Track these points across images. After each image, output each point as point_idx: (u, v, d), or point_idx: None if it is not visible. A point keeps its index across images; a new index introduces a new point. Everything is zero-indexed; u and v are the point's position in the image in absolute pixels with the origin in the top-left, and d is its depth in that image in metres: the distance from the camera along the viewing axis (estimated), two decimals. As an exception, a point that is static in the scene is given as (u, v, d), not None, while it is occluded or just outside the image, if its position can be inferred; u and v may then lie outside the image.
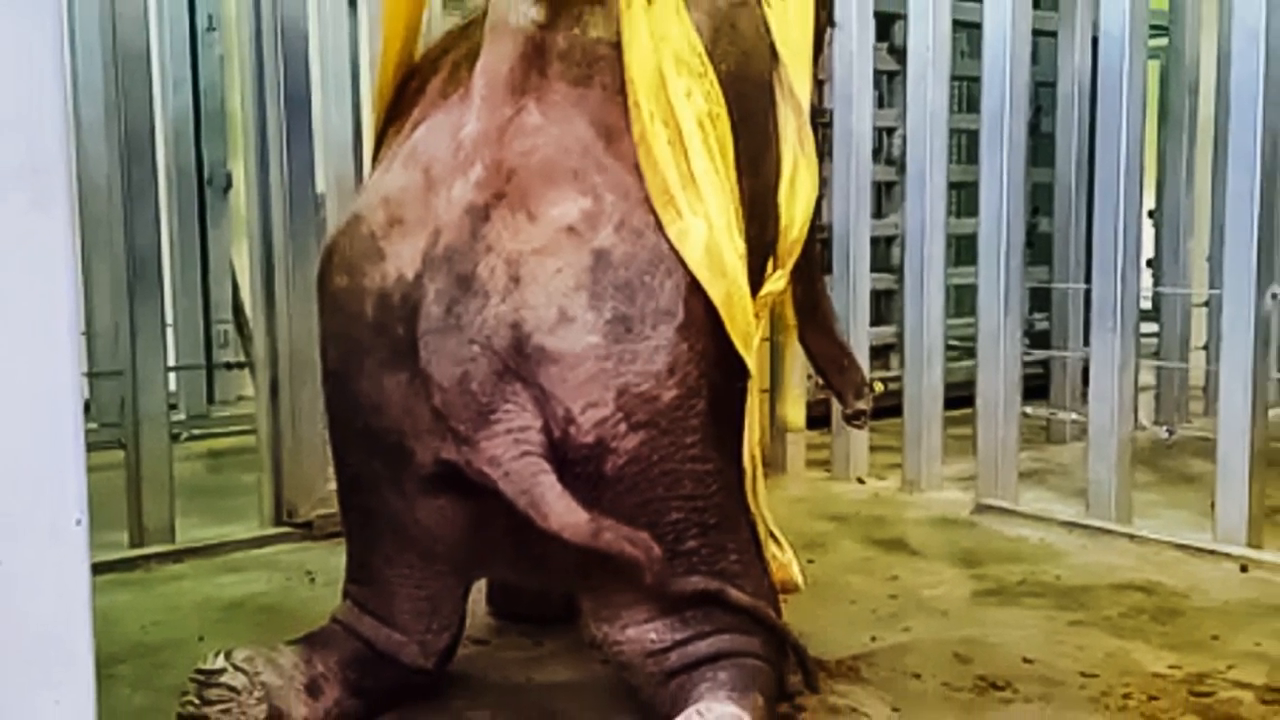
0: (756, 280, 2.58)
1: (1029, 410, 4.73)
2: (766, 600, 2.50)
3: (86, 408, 5.10)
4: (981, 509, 4.35)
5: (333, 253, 2.50)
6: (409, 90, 2.71)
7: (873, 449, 4.95)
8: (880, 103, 5.41)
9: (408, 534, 2.48)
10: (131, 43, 3.84)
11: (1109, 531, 4.02)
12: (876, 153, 5.37)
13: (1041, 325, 5.83)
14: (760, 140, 2.66)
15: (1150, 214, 6.04)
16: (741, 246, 2.41)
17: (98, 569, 1.70)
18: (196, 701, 2.30)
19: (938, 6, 4.57)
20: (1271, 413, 3.99)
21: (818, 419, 4.71)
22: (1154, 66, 6.05)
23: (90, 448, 1.57)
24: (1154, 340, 5.71)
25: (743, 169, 2.50)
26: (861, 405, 3.29)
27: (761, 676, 2.37)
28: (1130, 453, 4.14)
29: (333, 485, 2.72)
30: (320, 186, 4.29)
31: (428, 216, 2.33)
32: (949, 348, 4.83)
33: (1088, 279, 4.31)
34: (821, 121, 4.07)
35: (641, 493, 2.30)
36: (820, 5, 2.96)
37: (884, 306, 5.69)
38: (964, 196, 5.80)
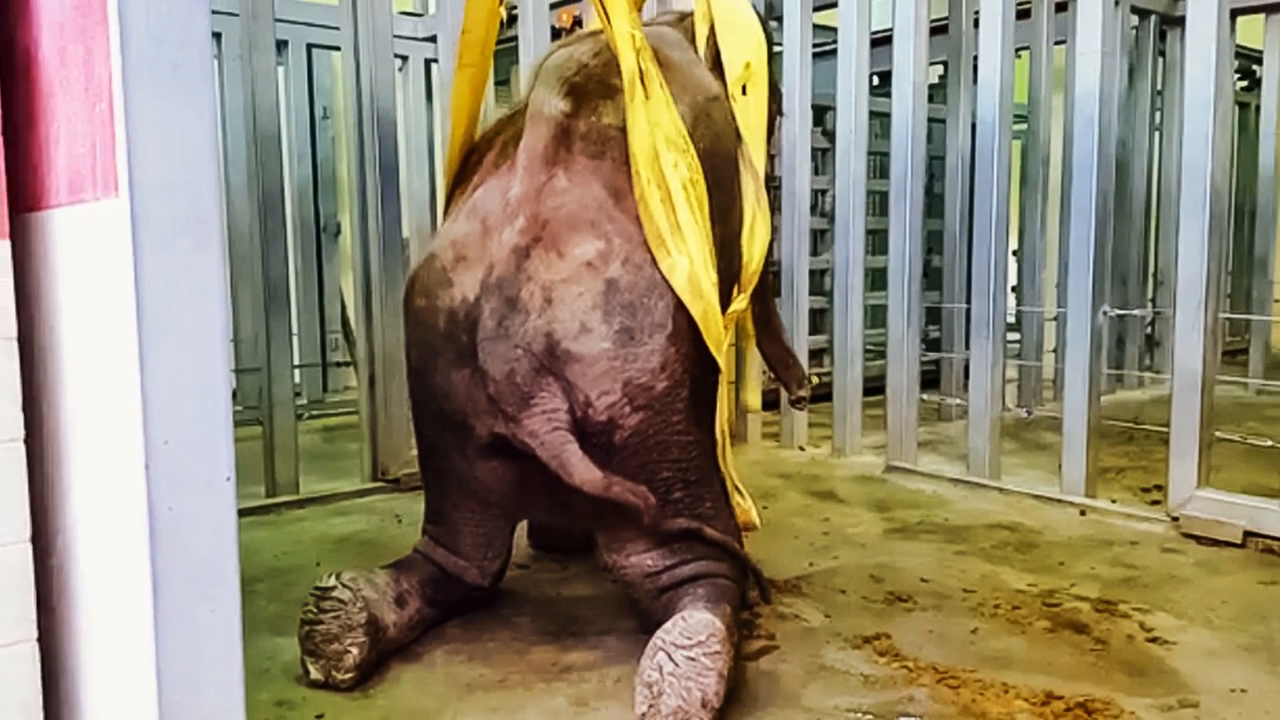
0: (725, 301, 2.57)
1: (925, 396, 4.72)
2: (733, 536, 2.49)
3: (234, 395, 5.11)
4: (890, 469, 4.34)
5: (414, 281, 2.50)
6: (470, 162, 2.71)
7: (811, 425, 4.94)
8: (816, 171, 5.38)
9: (469, 487, 2.48)
10: (267, 126, 3.83)
11: (984, 485, 4.01)
12: (814, 208, 5.35)
13: (934, 334, 5.80)
14: (728, 199, 2.65)
15: (1014, 252, 6.01)
16: (714, 277, 2.40)
17: (242, 513, 1.70)
18: (315, 610, 2.30)
19: (858, 100, 4.56)
20: (1103, 399, 4.00)
21: (770, 403, 4.71)
22: (1017, 145, 6.07)
23: (236, 424, 1.56)
24: (1017, 345, 5.69)
25: (715, 220, 2.49)
26: (802, 393, 3.28)
27: (729, 592, 2.37)
28: (999, 428, 4.13)
29: (414, 451, 2.72)
30: (405, 233, 4.29)
31: (484, 255, 2.33)
32: (867, 351, 4.82)
33: (968, 300, 4.31)
34: (773, 185, 4.07)
35: (641, 457, 2.29)
36: (772, 99, 2.95)
37: (819, 321, 5.67)
38: (877, 240, 5.78)
